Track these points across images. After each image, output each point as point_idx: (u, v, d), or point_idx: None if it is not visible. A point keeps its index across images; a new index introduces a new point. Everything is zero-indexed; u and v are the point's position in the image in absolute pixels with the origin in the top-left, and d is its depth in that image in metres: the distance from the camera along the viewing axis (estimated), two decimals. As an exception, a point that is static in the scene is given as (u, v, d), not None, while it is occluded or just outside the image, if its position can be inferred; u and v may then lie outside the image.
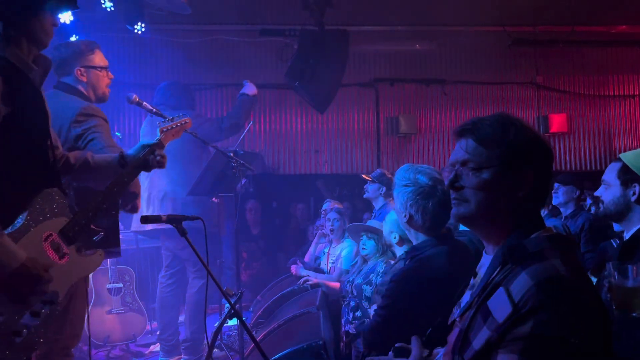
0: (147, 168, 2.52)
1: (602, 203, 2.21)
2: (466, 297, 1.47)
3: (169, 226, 2.43)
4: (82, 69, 2.95)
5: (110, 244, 2.78)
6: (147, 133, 4.51)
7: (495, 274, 1.30)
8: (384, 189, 4.82)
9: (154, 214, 3.87)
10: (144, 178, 4.34)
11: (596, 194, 2.28)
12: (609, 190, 2.18)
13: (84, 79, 2.96)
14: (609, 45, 8.12)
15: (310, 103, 6.09)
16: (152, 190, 4.38)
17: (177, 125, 2.80)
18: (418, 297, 2.02)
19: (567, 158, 8.40)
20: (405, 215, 2.23)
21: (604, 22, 7.43)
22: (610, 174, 2.19)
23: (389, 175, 4.81)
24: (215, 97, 7.69)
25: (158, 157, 2.52)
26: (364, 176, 5.10)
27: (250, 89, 4.59)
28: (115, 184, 2.31)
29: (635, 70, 8.44)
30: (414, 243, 2.27)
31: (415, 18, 7.11)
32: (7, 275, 1.78)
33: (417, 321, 1.68)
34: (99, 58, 3.03)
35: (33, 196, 1.99)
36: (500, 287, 1.26)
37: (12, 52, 1.97)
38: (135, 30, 5.59)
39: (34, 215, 1.98)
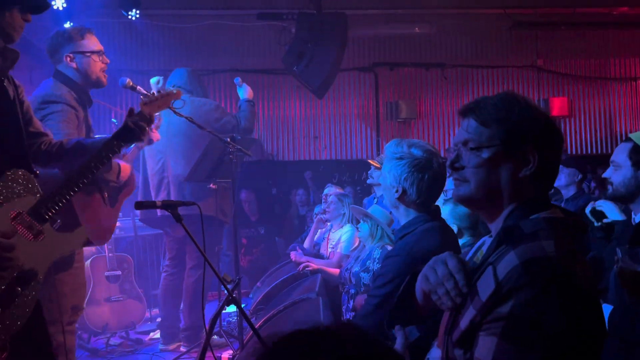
0: (136, 135, 2.41)
1: (612, 185, 2.17)
2: None
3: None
4: (71, 55, 2.89)
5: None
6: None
7: (490, 255, 1.28)
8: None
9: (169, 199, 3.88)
10: (154, 162, 4.33)
11: (605, 175, 2.24)
12: (619, 172, 2.13)
13: (74, 65, 2.90)
14: (610, 27, 8.03)
15: (309, 88, 6.03)
16: (167, 174, 4.35)
17: (160, 97, 2.68)
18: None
19: (568, 141, 8.36)
20: (397, 191, 2.13)
21: (605, 3, 7.33)
22: (621, 155, 2.14)
23: None
24: (212, 83, 7.62)
25: (138, 125, 2.40)
26: (370, 161, 5.04)
27: (247, 92, 4.52)
28: (93, 159, 2.26)
29: (637, 52, 8.37)
30: (403, 221, 2.20)
31: (415, 1, 7.02)
32: None
33: None
34: (90, 43, 2.95)
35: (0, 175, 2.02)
36: (489, 266, 1.24)
37: None
38: (129, 16, 5.52)
39: (2, 193, 2.00)
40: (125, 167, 2.83)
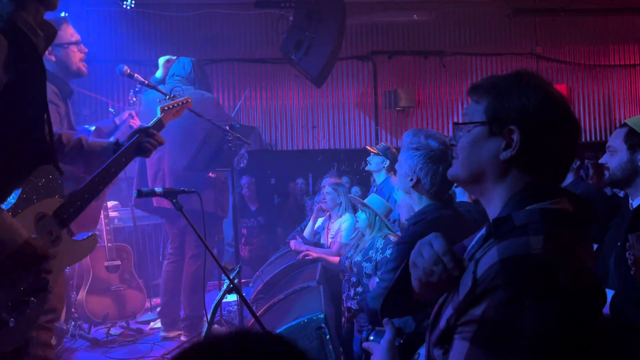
0: (143, 153, 2.39)
1: (608, 170, 2.16)
2: None
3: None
4: (49, 49, 2.80)
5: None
6: (143, 114, 4.40)
7: (477, 249, 1.20)
8: (388, 162, 4.76)
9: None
10: (153, 153, 4.30)
11: (601, 161, 2.23)
12: (615, 156, 2.12)
13: (53, 59, 2.85)
14: (609, 13, 8.00)
15: (307, 77, 5.99)
16: (163, 166, 4.33)
17: (178, 104, 2.73)
18: None
19: (567, 129, 8.33)
20: (411, 179, 2.17)
21: (605, -11, 7.31)
22: (617, 140, 2.14)
23: (394, 150, 4.76)
24: (210, 72, 7.57)
25: (149, 142, 2.38)
26: (368, 148, 5.05)
27: None
28: (113, 164, 2.20)
29: (636, 39, 8.33)
30: (416, 208, 2.23)
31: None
32: (6, 255, 1.62)
33: None
34: (67, 34, 2.89)
35: (28, 172, 1.85)
36: (472, 262, 1.16)
37: (20, 16, 1.81)
38: (124, 6, 5.47)
39: (28, 193, 1.84)
40: None
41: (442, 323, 1.17)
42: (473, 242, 1.32)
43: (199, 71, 4.48)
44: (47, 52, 2.77)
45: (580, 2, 7.42)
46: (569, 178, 5.11)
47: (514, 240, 1.11)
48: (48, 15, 2.85)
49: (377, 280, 2.51)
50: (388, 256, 2.99)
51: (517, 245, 1.10)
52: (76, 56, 2.91)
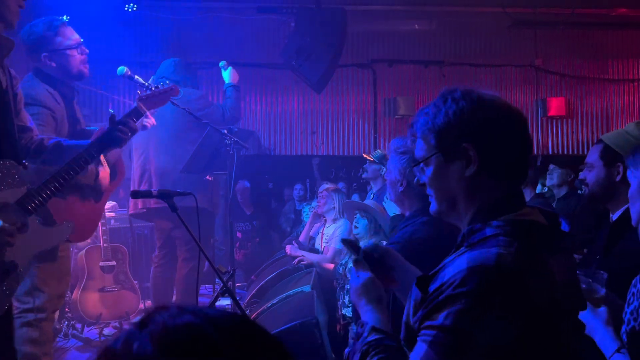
0: (117, 143, 2.42)
1: (587, 185, 2.19)
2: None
3: (162, 206, 2.38)
4: (47, 55, 2.78)
5: None
6: (157, 116, 4.41)
7: (449, 259, 1.22)
8: (385, 169, 4.77)
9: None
10: (137, 155, 4.29)
11: (581, 176, 2.27)
12: (593, 172, 2.16)
13: (53, 65, 2.80)
14: (609, 27, 8.05)
15: (307, 83, 6.03)
16: (149, 167, 4.32)
17: (159, 93, 2.70)
18: (417, 262, 1.98)
19: (565, 142, 8.38)
20: (401, 184, 2.18)
21: (605, 4, 7.34)
22: (593, 156, 2.17)
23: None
24: (211, 76, 7.59)
25: (120, 130, 2.40)
26: (365, 155, 5.07)
27: (232, 76, 4.42)
28: (84, 155, 2.28)
29: (635, 54, 8.38)
30: (407, 214, 2.24)
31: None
32: None
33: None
34: (65, 38, 2.84)
35: None
36: (443, 265, 1.19)
37: None
38: (126, 8, 5.50)
39: None
40: (104, 174, 2.77)
41: (412, 322, 1.20)
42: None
43: (182, 70, 4.40)
44: (46, 60, 2.79)
45: (581, 16, 7.45)
46: (563, 190, 5.16)
47: (483, 250, 1.12)
48: (48, 18, 2.86)
49: None
50: None
51: (486, 255, 1.10)
52: (76, 59, 2.86)
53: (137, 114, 2.54)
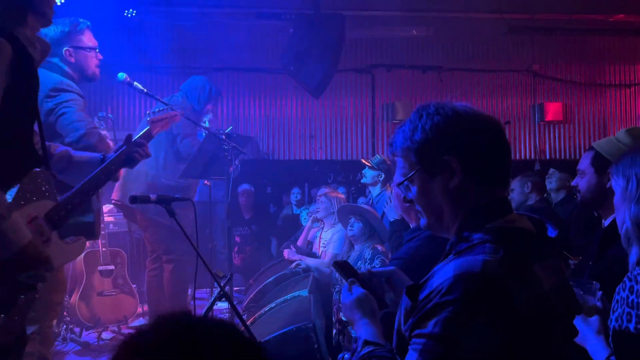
0: (131, 163, 2.50)
1: (579, 192, 2.22)
2: None
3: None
4: (71, 50, 2.92)
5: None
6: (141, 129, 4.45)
7: (438, 267, 1.24)
8: (383, 175, 4.78)
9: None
10: None
11: (572, 183, 2.29)
12: (585, 179, 2.18)
13: (72, 60, 2.93)
14: (606, 33, 8.08)
15: (306, 88, 6.07)
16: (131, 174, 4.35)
17: (165, 118, 2.84)
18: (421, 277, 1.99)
19: (562, 147, 8.41)
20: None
21: (602, 10, 7.38)
22: (585, 162, 2.20)
23: (389, 162, 4.77)
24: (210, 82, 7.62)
25: (138, 152, 2.48)
26: (363, 161, 5.06)
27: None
28: (103, 172, 2.31)
29: (632, 59, 8.42)
30: (413, 225, 2.27)
31: (412, 3, 7.06)
32: (11, 254, 1.66)
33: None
34: (87, 38, 2.99)
35: (21, 176, 1.91)
36: (431, 274, 1.20)
37: (20, 30, 1.90)
38: (126, 14, 5.53)
39: (21, 195, 1.90)
40: None
41: (402, 330, 1.21)
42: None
43: (205, 95, 4.43)
44: (67, 54, 2.90)
45: (577, 22, 7.50)
46: (561, 194, 5.17)
47: (470, 257, 1.14)
48: (74, 18, 2.92)
49: None
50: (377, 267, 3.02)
51: (473, 262, 1.12)
52: (93, 61, 3.00)
53: (149, 136, 2.66)
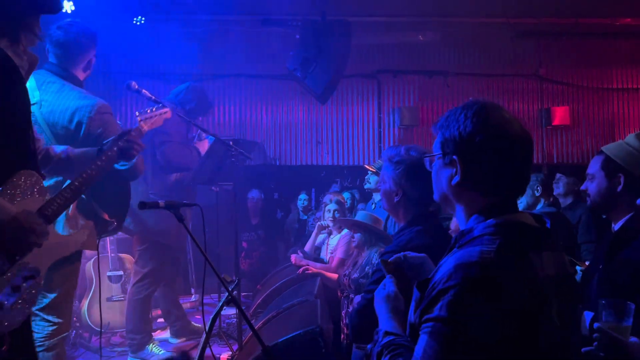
0: (128, 157, 2.60)
1: (589, 196, 2.23)
2: None
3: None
4: (93, 59, 3.00)
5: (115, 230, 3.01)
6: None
7: (443, 261, 1.34)
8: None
9: None
10: None
11: (582, 187, 2.30)
12: (595, 183, 2.19)
13: (88, 71, 3.00)
14: (612, 37, 8.07)
15: (312, 94, 6.09)
16: None
17: (155, 115, 2.92)
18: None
19: (569, 151, 8.39)
20: (396, 194, 2.15)
21: (608, 14, 7.38)
22: (594, 166, 2.20)
23: None
24: (217, 87, 7.68)
25: (134, 147, 2.59)
26: (366, 166, 5.09)
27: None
28: (94, 167, 2.40)
29: (639, 63, 8.39)
30: (402, 224, 2.23)
31: (418, 9, 7.08)
32: None
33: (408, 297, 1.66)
34: (94, 51, 3.04)
35: (9, 175, 1.98)
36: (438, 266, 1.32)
37: (7, 45, 1.93)
38: (134, 22, 5.59)
39: (9, 191, 1.98)
40: None
41: (410, 319, 1.36)
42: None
43: (196, 96, 4.48)
44: (89, 63, 2.97)
45: (584, 26, 7.49)
46: (569, 199, 5.16)
47: (469, 248, 1.26)
48: (90, 27, 2.98)
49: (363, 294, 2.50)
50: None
51: (471, 252, 1.24)
52: (87, 72, 3.05)
53: (139, 133, 2.74)
